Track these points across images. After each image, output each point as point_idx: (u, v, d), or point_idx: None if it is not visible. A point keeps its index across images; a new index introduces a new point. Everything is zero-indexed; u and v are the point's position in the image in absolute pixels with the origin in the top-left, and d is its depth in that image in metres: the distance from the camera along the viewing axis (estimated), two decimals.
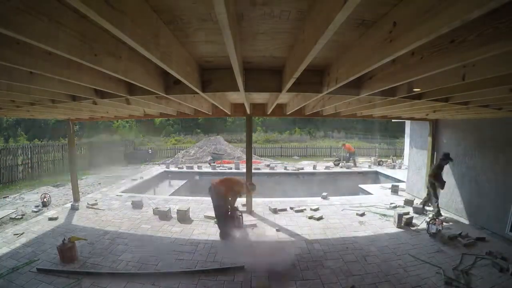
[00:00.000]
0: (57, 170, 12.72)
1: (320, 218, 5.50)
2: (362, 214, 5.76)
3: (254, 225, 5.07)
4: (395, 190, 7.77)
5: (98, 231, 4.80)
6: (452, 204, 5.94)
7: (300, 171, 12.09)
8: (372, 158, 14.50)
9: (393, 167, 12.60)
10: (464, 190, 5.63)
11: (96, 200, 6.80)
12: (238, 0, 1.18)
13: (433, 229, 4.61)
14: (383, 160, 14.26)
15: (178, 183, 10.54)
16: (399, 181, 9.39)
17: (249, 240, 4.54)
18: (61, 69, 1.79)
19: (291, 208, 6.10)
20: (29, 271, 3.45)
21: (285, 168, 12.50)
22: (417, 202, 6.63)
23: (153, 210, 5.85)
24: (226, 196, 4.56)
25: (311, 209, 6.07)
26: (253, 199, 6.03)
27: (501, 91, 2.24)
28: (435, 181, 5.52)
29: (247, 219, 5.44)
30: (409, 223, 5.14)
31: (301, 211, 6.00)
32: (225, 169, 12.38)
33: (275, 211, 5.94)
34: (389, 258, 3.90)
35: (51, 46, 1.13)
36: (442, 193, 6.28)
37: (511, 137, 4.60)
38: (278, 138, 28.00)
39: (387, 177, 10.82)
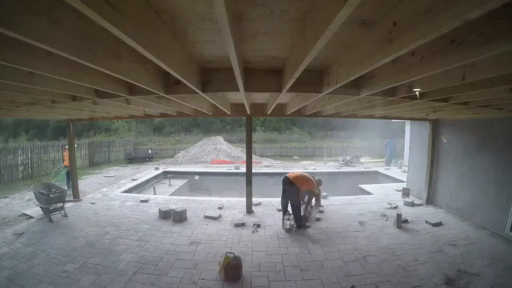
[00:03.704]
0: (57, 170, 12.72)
1: (320, 218, 5.51)
2: (362, 214, 5.76)
3: (257, 225, 5.08)
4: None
5: (98, 231, 4.81)
6: (452, 204, 5.94)
7: (306, 170, 12.19)
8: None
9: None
10: (464, 190, 5.63)
11: (96, 200, 6.80)
12: (238, 0, 1.18)
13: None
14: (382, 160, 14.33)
15: (178, 183, 10.55)
16: (399, 181, 9.40)
17: None
18: (61, 69, 1.79)
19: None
20: (29, 271, 3.46)
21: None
22: (417, 202, 6.64)
23: (153, 209, 5.85)
24: (301, 191, 5.12)
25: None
26: (253, 199, 6.03)
27: (501, 91, 2.24)
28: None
29: (247, 219, 5.45)
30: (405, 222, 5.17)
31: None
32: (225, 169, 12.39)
33: (275, 211, 5.94)
34: (389, 258, 3.90)
35: (51, 46, 1.13)
36: (442, 193, 6.29)
37: (511, 137, 4.61)
38: (278, 138, 27.99)
39: (387, 177, 10.83)
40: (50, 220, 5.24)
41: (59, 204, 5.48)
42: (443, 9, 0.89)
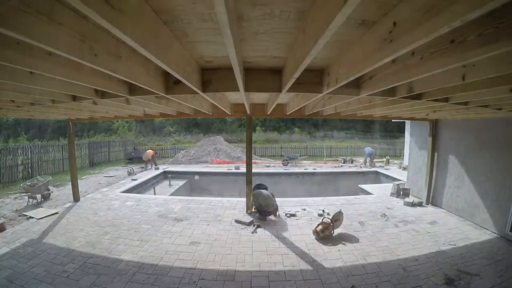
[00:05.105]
0: (57, 170, 12.73)
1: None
2: (362, 214, 5.76)
3: (257, 225, 5.08)
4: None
5: (98, 231, 4.81)
6: (452, 204, 5.94)
7: (304, 170, 12.24)
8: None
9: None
10: (464, 190, 5.63)
11: (96, 200, 6.80)
12: (238, 0, 1.18)
13: None
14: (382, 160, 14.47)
15: (178, 183, 10.55)
16: (399, 181, 9.39)
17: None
18: (61, 69, 1.78)
19: (291, 209, 6.10)
20: (29, 271, 3.46)
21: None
22: (417, 202, 6.63)
23: (153, 209, 5.85)
24: None
25: (311, 209, 6.07)
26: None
27: (501, 91, 2.24)
28: None
29: (248, 219, 5.45)
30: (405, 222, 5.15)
31: (301, 211, 6.01)
32: (226, 169, 12.38)
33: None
34: (389, 258, 3.90)
35: (51, 46, 1.13)
36: (442, 193, 6.30)
37: (511, 137, 4.61)
38: (278, 138, 28.01)
39: (387, 177, 10.83)
40: (40, 205, 6.48)
41: (46, 192, 7.30)
42: (443, 9, 0.89)
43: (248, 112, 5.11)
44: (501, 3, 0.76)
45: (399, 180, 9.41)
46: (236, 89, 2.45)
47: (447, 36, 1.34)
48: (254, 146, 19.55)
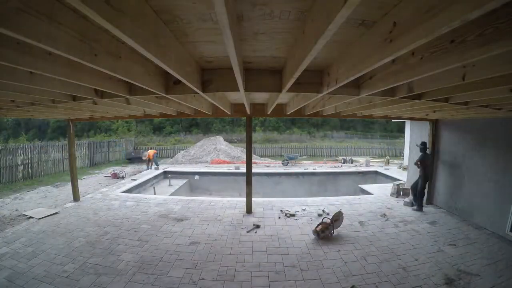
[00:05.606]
0: (57, 170, 12.73)
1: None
2: (362, 214, 5.76)
3: (257, 226, 5.08)
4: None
5: (98, 231, 4.81)
6: (452, 204, 5.94)
7: (304, 170, 12.22)
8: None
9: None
10: (464, 190, 5.63)
11: (96, 200, 6.80)
12: (238, 0, 1.18)
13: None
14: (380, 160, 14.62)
15: (178, 183, 10.55)
16: (399, 181, 9.39)
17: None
18: (61, 69, 1.78)
19: (291, 209, 6.10)
20: (29, 271, 3.46)
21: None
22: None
23: (153, 209, 5.85)
24: None
25: (311, 209, 6.07)
26: (253, 199, 6.03)
27: (501, 91, 2.24)
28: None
29: (247, 219, 5.45)
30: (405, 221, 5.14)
31: (301, 211, 6.01)
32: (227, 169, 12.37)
33: (275, 210, 5.94)
34: (389, 258, 3.90)
35: (51, 46, 1.13)
36: (442, 193, 6.29)
37: (511, 137, 4.61)
38: (278, 138, 28.01)
39: (387, 177, 10.83)
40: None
41: None
42: (443, 9, 0.89)
43: (248, 112, 5.11)
44: (501, 3, 0.76)
45: (399, 180, 9.42)
46: (236, 89, 2.45)
47: (447, 36, 1.34)
48: (254, 146, 19.56)
